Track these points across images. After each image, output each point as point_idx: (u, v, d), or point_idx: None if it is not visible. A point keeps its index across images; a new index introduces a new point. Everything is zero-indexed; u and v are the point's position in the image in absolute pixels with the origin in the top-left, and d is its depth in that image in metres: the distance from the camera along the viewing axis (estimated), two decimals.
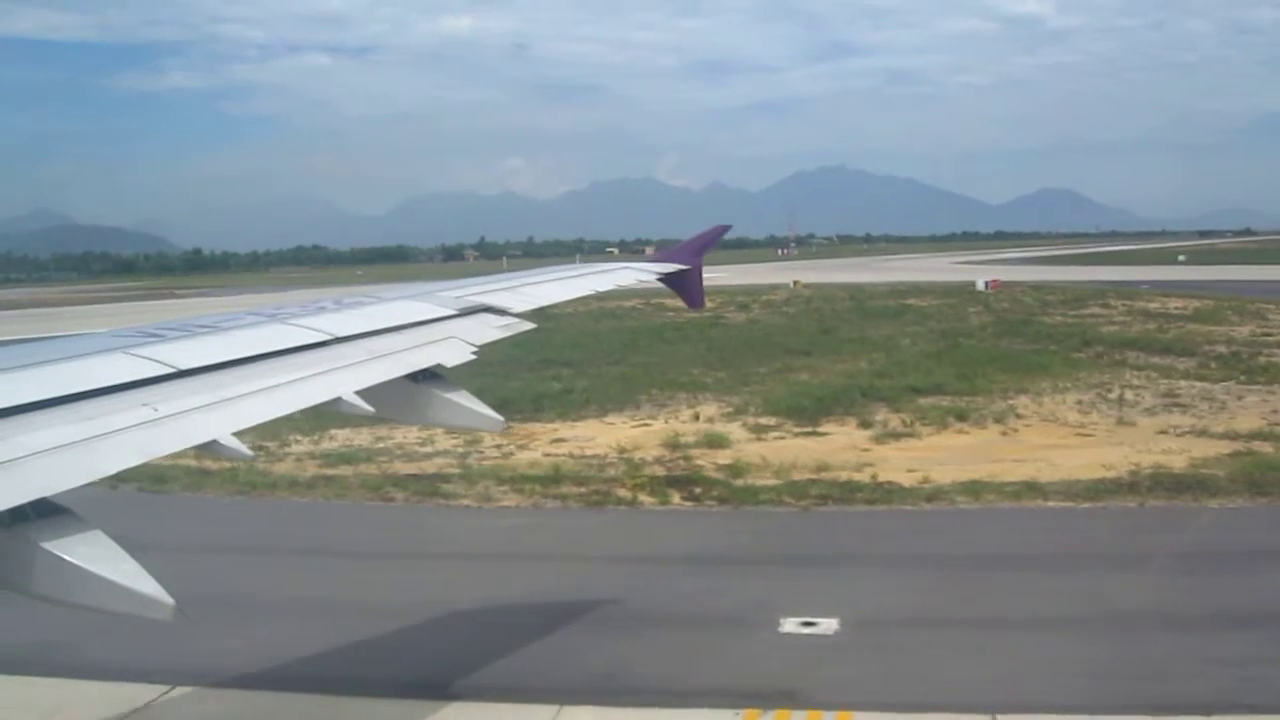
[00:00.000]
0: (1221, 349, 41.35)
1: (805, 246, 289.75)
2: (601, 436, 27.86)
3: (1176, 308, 61.54)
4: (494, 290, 10.22)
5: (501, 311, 9.50)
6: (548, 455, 25.71)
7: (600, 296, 12.37)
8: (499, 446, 26.76)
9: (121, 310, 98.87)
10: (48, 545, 4.58)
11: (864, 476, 22.05)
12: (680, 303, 14.59)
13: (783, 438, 27.07)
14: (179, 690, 12.64)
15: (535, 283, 11.19)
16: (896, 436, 26.46)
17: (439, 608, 15.47)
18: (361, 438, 27.90)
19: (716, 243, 15.45)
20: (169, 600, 4.57)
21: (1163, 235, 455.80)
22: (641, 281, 13.31)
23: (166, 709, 12.22)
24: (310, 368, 6.96)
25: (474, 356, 8.23)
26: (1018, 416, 28.63)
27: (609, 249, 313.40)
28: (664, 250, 15.24)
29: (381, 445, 27.07)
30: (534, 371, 40.62)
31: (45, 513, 4.70)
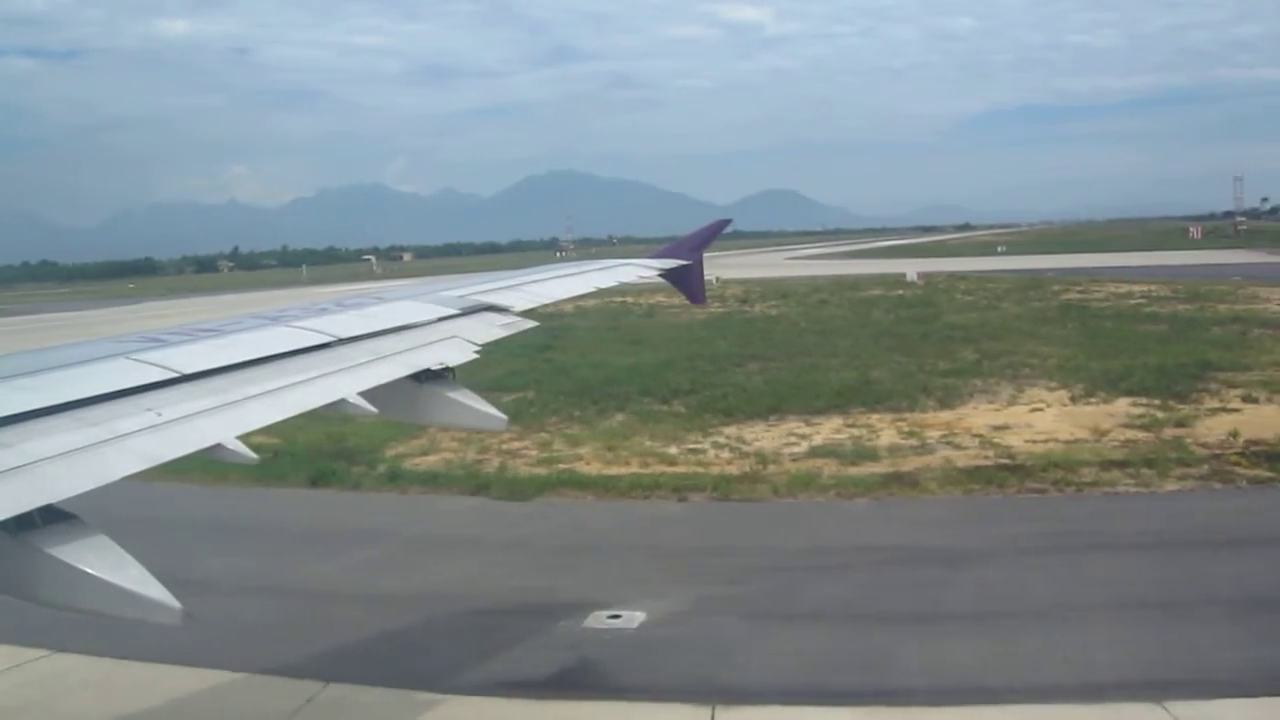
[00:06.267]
0: None
1: (566, 249, 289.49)
2: (1037, 423, 27.77)
3: (1150, 292, 67.45)
4: (495, 289, 10.29)
5: (504, 310, 9.57)
6: (1030, 442, 25.45)
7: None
8: (947, 438, 26.22)
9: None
10: (54, 551, 4.60)
11: None
12: (675, 300, 14.69)
13: (1202, 416, 27.94)
14: None
15: (537, 280, 11.22)
16: None
17: None
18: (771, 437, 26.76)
19: (718, 237, 15.87)
20: (176, 605, 4.58)
21: (885, 232, 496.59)
22: (643, 278, 13.40)
23: None
24: (313, 370, 6.98)
25: (476, 355, 8.26)
26: None
27: (365, 256, 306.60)
28: (665, 247, 15.36)
29: (826, 442, 26.09)
30: (741, 366, 39.94)
31: (52, 519, 4.73)
